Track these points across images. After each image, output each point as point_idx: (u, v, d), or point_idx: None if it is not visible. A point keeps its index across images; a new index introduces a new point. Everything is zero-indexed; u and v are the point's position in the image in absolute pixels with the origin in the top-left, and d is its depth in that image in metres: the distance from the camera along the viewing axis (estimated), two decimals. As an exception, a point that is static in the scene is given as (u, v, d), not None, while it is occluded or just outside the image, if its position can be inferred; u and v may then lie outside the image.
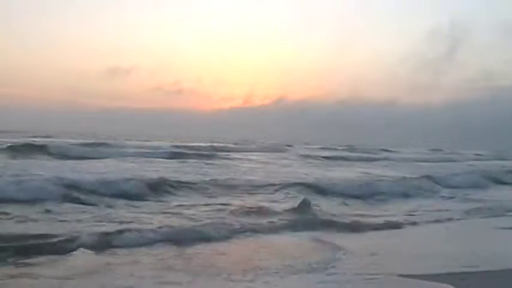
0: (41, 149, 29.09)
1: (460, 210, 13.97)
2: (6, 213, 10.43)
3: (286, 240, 9.48)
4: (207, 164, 26.21)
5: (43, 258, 7.35)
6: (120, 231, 8.86)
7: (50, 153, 27.67)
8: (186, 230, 9.47)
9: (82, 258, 7.46)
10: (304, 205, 12.53)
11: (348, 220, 11.62)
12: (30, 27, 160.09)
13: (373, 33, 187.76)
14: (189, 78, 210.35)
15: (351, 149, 51.03)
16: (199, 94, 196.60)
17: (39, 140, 38.65)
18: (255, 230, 9.99)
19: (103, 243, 8.27)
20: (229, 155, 34.82)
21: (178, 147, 38.98)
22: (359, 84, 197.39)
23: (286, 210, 12.23)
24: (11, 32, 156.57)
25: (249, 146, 46.98)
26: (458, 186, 20.77)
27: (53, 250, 7.79)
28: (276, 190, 16.42)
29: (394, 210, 13.95)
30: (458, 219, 12.59)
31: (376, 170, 26.15)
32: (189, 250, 8.29)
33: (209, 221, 10.38)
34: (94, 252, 7.79)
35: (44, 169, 17.84)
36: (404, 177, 21.16)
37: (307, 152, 40.61)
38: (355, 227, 10.82)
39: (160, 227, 9.47)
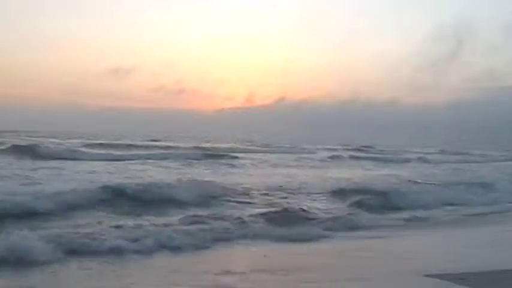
0: (74, 153, 28.58)
1: None
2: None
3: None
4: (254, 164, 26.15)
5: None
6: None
7: (77, 158, 27.06)
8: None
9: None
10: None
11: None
12: (31, 27, 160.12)
13: (375, 33, 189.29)
14: (190, 78, 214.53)
15: (377, 150, 50.45)
16: (201, 94, 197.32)
17: (68, 142, 38.30)
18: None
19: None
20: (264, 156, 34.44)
21: (202, 148, 38.58)
22: (360, 85, 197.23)
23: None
24: (12, 33, 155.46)
25: (271, 148, 46.36)
26: None
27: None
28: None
29: None
30: None
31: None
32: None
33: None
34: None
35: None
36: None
37: (335, 153, 39.94)
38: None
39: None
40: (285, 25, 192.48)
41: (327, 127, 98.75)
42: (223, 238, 9.45)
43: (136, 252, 8.17)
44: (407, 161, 35.98)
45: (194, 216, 11.20)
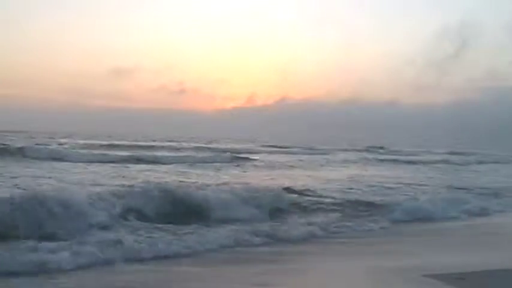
0: (103, 157, 25.91)
1: None
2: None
3: None
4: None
5: None
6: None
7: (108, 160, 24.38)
8: None
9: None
10: None
11: None
12: (32, 28, 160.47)
13: (377, 33, 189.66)
14: (191, 78, 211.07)
15: (389, 150, 49.26)
16: (202, 94, 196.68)
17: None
18: None
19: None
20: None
21: (226, 150, 36.35)
22: (363, 85, 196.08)
23: None
24: (12, 33, 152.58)
25: (290, 149, 44.43)
26: None
27: None
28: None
29: None
30: None
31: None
32: None
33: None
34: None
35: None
36: None
37: (358, 155, 38.38)
38: None
39: None
40: (286, 24, 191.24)
41: (329, 127, 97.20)
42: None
43: None
44: (434, 162, 34.42)
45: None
